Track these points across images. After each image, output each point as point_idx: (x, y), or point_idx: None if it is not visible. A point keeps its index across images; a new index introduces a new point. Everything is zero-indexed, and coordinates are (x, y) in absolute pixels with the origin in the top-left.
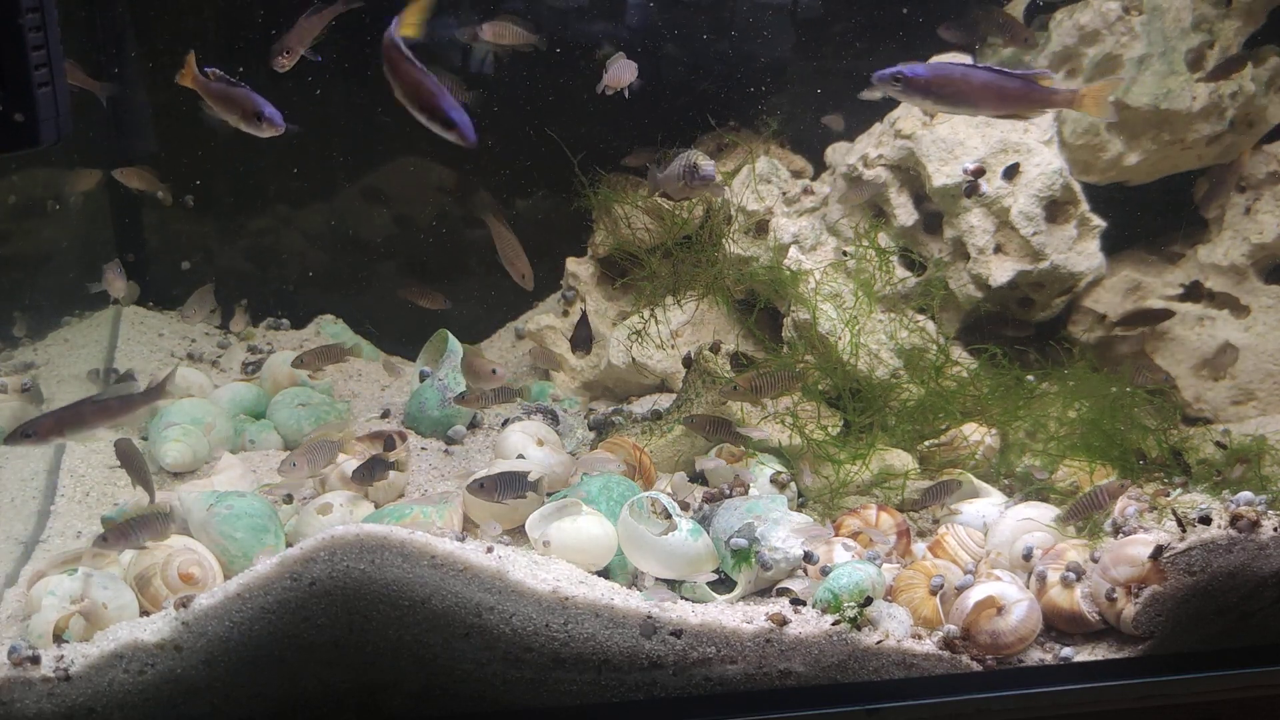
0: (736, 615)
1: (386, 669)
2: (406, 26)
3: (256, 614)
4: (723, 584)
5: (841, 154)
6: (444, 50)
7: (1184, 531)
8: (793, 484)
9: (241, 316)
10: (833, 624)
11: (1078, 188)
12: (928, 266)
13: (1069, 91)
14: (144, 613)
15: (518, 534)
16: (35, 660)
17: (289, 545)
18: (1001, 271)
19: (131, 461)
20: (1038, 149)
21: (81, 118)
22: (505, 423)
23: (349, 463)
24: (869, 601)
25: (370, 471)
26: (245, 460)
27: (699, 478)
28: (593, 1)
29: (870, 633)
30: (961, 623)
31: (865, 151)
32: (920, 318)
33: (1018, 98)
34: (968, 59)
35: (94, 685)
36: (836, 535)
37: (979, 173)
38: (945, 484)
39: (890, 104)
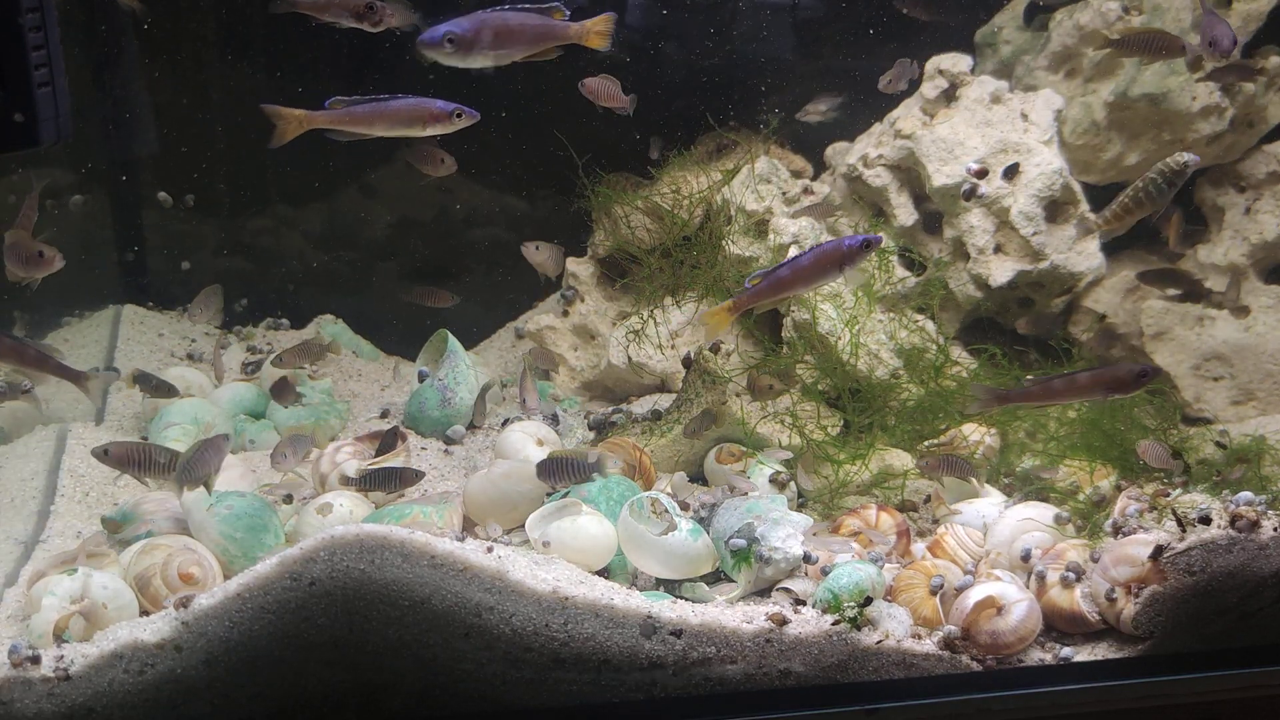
0: (736, 615)
1: (386, 669)
2: None
3: (256, 614)
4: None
5: (841, 154)
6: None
7: (1184, 531)
8: (792, 484)
9: (220, 343)
10: (833, 624)
11: (1078, 188)
12: (928, 266)
13: (578, 26)
14: (144, 613)
15: (518, 534)
16: (35, 660)
17: (289, 545)
18: (1001, 271)
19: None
20: (1038, 149)
21: (81, 118)
22: (505, 422)
23: (350, 463)
24: (869, 601)
25: (388, 481)
26: (245, 460)
27: (699, 478)
28: (593, 1)
29: (870, 633)
30: (961, 623)
31: (865, 151)
32: (920, 318)
33: (544, 35)
34: (968, 58)
35: (94, 685)
36: (835, 534)
37: (982, 173)
38: (952, 460)
39: (890, 104)
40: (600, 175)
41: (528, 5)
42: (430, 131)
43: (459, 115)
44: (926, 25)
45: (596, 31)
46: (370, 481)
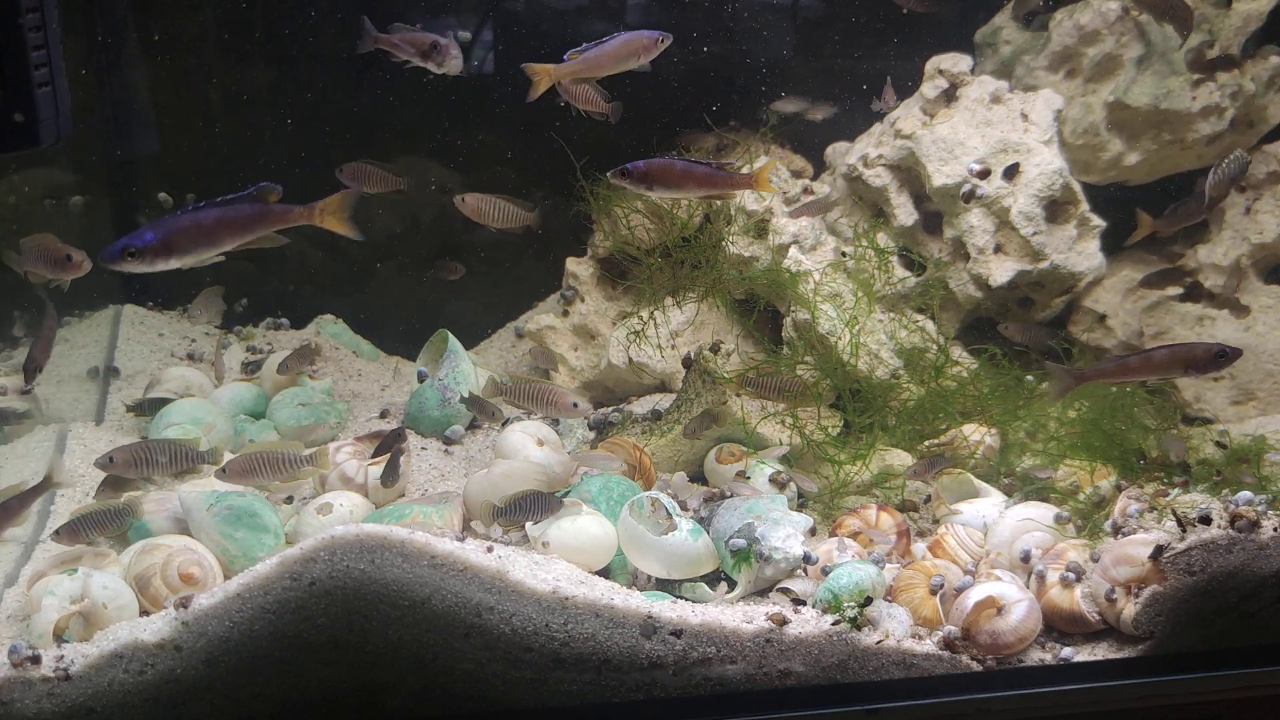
0: (736, 615)
1: (386, 669)
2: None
3: (256, 614)
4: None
5: (841, 154)
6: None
7: (1184, 531)
8: (792, 484)
9: (220, 343)
10: (833, 624)
11: (1078, 188)
12: (928, 266)
13: (304, 209)
14: (144, 613)
15: (517, 534)
16: (35, 660)
17: (289, 545)
18: (1001, 271)
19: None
20: (1038, 149)
21: (81, 118)
22: (506, 422)
23: (350, 463)
24: (869, 601)
25: (392, 470)
26: None
27: (699, 478)
28: (593, 1)
29: (870, 633)
30: (961, 623)
31: (865, 152)
32: (920, 318)
33: (256, 223)
34: (968, 58)
35: (94, 685)
36: (834, 535)
37: (985, 173)
38: (935, 459)
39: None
40: (598, 177)
41: (229, 198)
42: (643, 60)
43: (662, 41)
44: (926, 25)
45: (331, 211)
46: (515, 511)
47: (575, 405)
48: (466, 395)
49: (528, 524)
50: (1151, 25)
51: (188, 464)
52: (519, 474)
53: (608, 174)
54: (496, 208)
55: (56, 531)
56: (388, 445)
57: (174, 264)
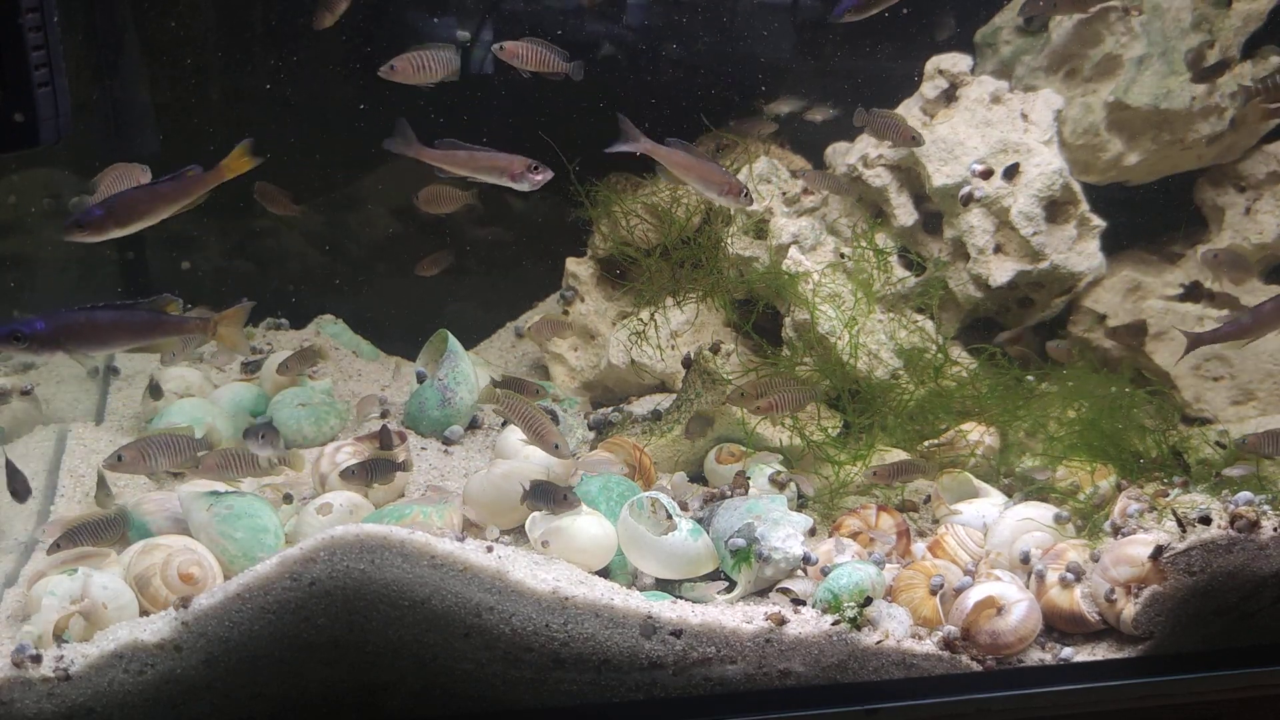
0: (736, 615)
1: (386, 669)
2: None
3: (256, 614)
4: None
5: (841, 154)
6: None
7: (1184, 531)
8: (792, 484)
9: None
10: (832, 624)
11: (1078, 188)
12: (928, 266)
13: (195, 322)
14: (144, 613)
15: (518, 534)
16: (36, 660)
17: (289, 545)
18: (1001, 271)
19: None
20: (1038, 149)
21: (81, 117)
22: (505, 423)
23: (350, 463)
24: (869, 601)
25: (373, 472)
26: None
27: (699, 478)
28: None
29: (870, 633)
30: (961, 623)
31: (865, 152)
32: (920, 318)
33: (149, 330)
34: (968, 58)
35: (94, 685)
36: (834, 535)
37: (987, 173)
38: (903, 464)
39: (890, 103)
40: (594, 181)
41: (127, 303)
42: None
43: None
44: (925, 26)
45: (225, 324)
46: (357, 474)
47: (556, 447)
48: (527, 487)
49: (528, 523)
50: (1150, 25)
51: (190, 453)
52: (519, 474)
53: (64, 235)
54: (442, 193)
55: (56, 544)
56: (388, 444)
57: (59, 355)
